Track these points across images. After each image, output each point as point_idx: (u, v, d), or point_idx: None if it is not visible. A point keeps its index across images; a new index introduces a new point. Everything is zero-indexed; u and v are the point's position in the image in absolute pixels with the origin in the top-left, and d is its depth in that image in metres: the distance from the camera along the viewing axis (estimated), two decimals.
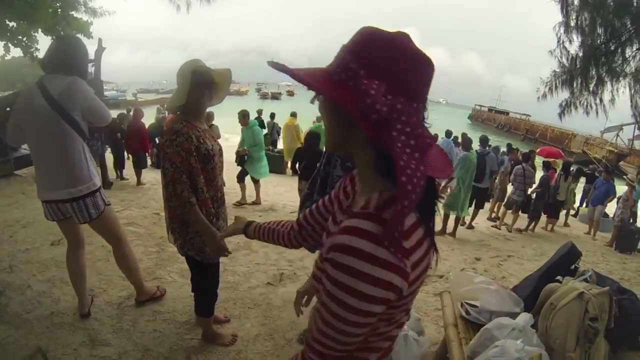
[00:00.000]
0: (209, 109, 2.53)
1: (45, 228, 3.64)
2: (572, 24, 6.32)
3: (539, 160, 9.14)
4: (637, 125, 19.55)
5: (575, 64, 6.53)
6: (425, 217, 0.70)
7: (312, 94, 0.71)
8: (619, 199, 7.80)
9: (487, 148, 6.96)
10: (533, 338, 1.70)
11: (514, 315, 1.85)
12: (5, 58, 8.42)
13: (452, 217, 5.99)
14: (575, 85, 6.66)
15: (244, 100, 39.10)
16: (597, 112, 6.70)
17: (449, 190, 6.08)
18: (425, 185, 0.60)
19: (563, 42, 6.56)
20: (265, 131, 10.86)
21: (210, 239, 1.88)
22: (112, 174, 7.03)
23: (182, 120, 1.87)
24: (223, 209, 2.09)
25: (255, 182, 6.08)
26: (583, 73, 6.44)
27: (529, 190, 7.40)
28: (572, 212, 9.25)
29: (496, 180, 7.93)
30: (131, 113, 7.80)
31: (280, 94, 58.99)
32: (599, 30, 6.10)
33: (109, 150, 7.38)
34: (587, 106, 6.74)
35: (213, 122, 6.89)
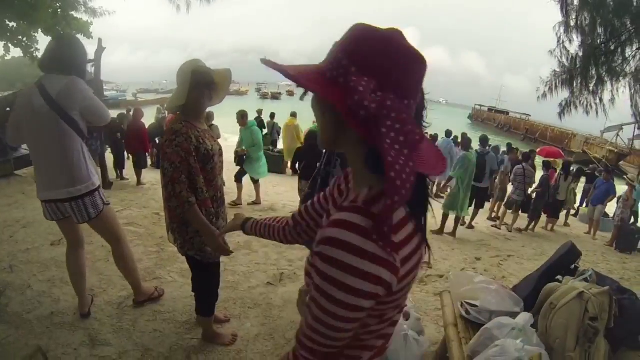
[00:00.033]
0: (209, 109, 2.53)
1: (45, 228, 3.64)
2: (572, 23, 6.32)
3: (538, 160, 9.14)
4: (637, 125, 19.55)
5: (575, 64, 6.54)
6: (415, 212, 0.70)
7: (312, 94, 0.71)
8: (619, 198, 7.80)
9: (487, 148, 6.96)
10: (533, 338, 1.70)
11: (514, 315, 1.86)
12: (6, 58, 8.44)
13: (452, 217, 5.99)
14: (575, 85, 6.66)
15: (244, 100, 39.10)
16: (597, 112, 6.70)
17: (448, 189, 6.09)
18: (416, 181, 0.60)
19: (563, 42, 6.57)
20: (265, 131, 10.87)
21: (209, 239, 1.88)
22: (112, 174, 7.03)
23: (182, 121, 1.87)
24: (223, 208, 2.09)
25: (255, 182, 6.07)
26: (583, 73, 6.45)
27: (529, 190, 7.40)
28: (572, 212, 9.25)
29: (496, 180, 7.93)
30: (131, 113, 7.80)
31: (280, 94, 58.92)
32: (599, 30, 6.11)
33: (109, 150, 7.38)
34: (587, 106, 6.75)
35: (213, 122, 6.89)
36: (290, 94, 57.86)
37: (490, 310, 1.96)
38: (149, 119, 8.68)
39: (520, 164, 7.35)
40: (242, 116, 5.80)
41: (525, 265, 4.71)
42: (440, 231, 6.00)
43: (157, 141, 8.42)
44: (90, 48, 6.03)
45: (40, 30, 7.27)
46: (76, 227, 2.31)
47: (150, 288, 2.72)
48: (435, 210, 6.13)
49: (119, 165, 7.35)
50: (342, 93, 0.60)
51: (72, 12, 7.76)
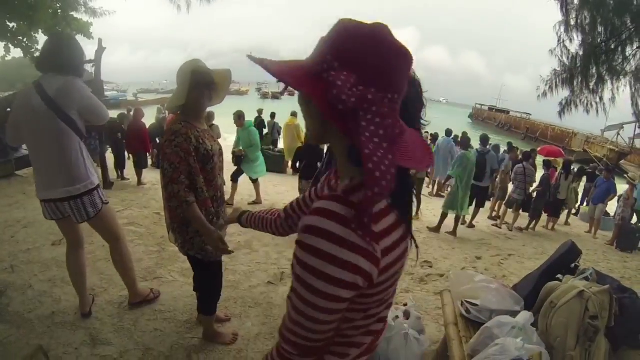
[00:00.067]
0: (209, 109, 2.54)
1: (46, 228, 3.65)
2: (572, 22, 6.31)
3: (539, 159, 9.14)
4: (637, 124, 19.53)
5: (576, 63, 6.53)
6: (397, 204, 0.71)
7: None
8: (619, 197, 7.79)
9: (488, 147, 6.95)
10: (533, 336, 1.70)
11: (514, 314, 1.85)
12: (6, 59, 8.44)
13: (452, 216, 5.99)
14: (575, 83, 6.66)
15: (244, 100, 39.08)
16: (597, 111, 6.70)
17: (449, 189, 6.09)
18: (398, 174, 0.60)
19: (563, 41, 6.56)
20: (265, 131, 10.88)
21: (208, 238, 1.88)
22: (112, 174, 7.04)
23: (181, 121, 1.88)
24: (223, 208, 2.09)
25: (254, 181, 6.06)
26: (583, 72, 6.44)
27: (530, 189, 7.39)
28: (573, 211, 9.25)
29: (497, 179, 7.93)
30: (131, 113, 7.80)
31: (280, 93, 58.69)
32: (599, 29, 6.10)
33: (109, 150, 7.38)
34: (587, 105, 6.75)
35: (214, 122, 6.89)
36: (291, 93, 57.61)
37: (491, 309, 1.96)
38: (149, 119, 8.68)
39: (521, 163, 7.34)
40: (239, 117, 5.78)
41: (526, 264, 4.71)
42: (437, 229, 6.00)
43: (158, 141, 8.42)
44: (90, 48, 6.02)
45: (40, 30, 7.26)
46: (76, 227, 2.31)
47: (145, 289, 2.70)
48: (436, 208, 6.11)
49: (120, 165, 7.35)
50: (324, 88, 0.60)
51: (73, 13, 7.76)
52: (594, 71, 6.44)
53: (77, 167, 2.12)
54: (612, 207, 8.32)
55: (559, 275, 2.07)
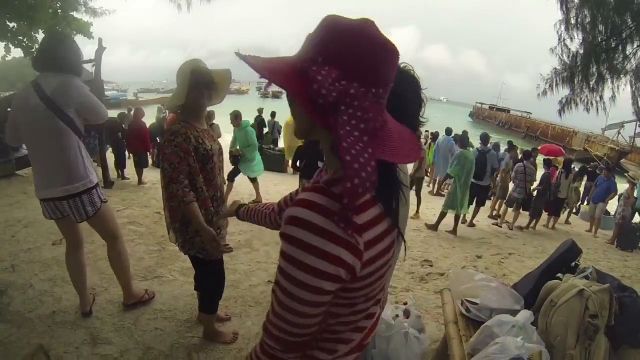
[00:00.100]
0: (209, 109, 2.54)
1: (47, 228, 3.65)
2: (573, 21, 6.31)
3: (539, 158, 9.13)
4: (638, 123, 19.51)
5: (576, 61, 6.53)
6: (381, 197, 0.71)
7: None
8: (620, 196, 7.78)
9: (488, 146, 6.95)
10: (533, 335, 1.70)
11: (514, 313, 1.85)
12: (6, 59, 8.45)
13: (452, 215, 5.99)
14: (576, 82, 6.65)
15: (245, 99, 39.07)
16: (597, 110, 6.70)
17: (449, 188, 6.10)
18: (383, 167, 0.61)
19: (564, 39, 6.56)
20: (266, 130, 10.89)
21: (206, 238, 1.88)
22: (113, 173, 7.04)
23: (181, 121, 1.88)
24: (223, 207, 2.09)
25: (253, 180, 6.05)
26: (584, 70, 6.44)
27: (531, 188, 7.38)
28: (574, 210, 9.24)
29: (497, 178, 7.92)
30: (132, 113, 7.80)
31: (281, 92, 58.37)
32: (600, 28, 6.10)
33: (110, 150, 7.39)
34: (587, 103, 6.74)
35: (214, 122, 6.89)
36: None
37: (491, 308, 1.97)
38: (150, 118, 8.69)
39: (521, 162, 7.34)
40: (235, 117, 5.77)
41: (526, 263, 4.71)
42: (434, 227, 6.01)
43: (158, 140, 8.43)
44: (90, 48, 6.05)
45: (40, 30, 7.27)
46: (75, 227, 2.31)
47: (140, 291, 2.68)
48: (437, 207, 6.10)
49: (120, 164, 7.36)
50: (306, 83, 0.61)
51: (73, 13, 7.76)
52: (594, 70, 6.44)
53: (76, 166, 2.12)
54: (612, 206, 8.31)
55: (559, 274, 2.07)
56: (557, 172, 8.11)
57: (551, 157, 9.61)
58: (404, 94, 1.06)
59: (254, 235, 4.28)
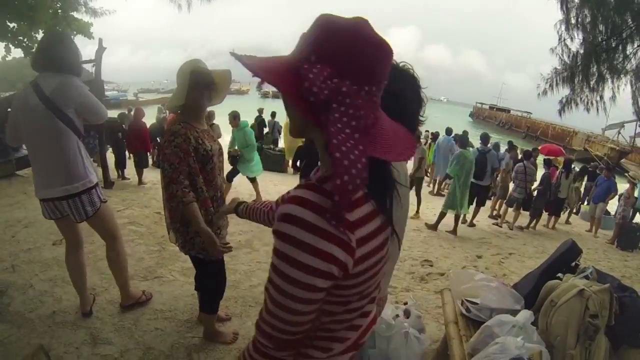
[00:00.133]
0: (210, 108, 2.54)
1: (47, 228, 3.65)
2: (573, 21, 6.31)
3: (540, 158, 9.14)
4: (638, 123, 19.50)
5: (576, 61, 6.52)
6: (374, 194, 0.71)
7: None
8: (620, 196, 7.78)
9: (488, 145, 6.95)
10: (533, 335, 1.70)
11: (514, 313, 1.85)
12: (6, 59, 8.45)
13: (452, 215, 5.99)
14: (576, 82, 6.65)
15: (245, 99, 39.02)
16: (597, 110, 6.70)
17: (448, 188, 6.10)
18: (375, 164, 0.62)
19: (564, 39, 6.55)
20: (266, 130, 10.88)
21: (205, 238, 1.88)
22: (113, 173, 7.04)
23: (180, 122, 1.88)
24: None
25: (253, 180, 6.04)
26: (584, 70, 6.44)
27: (531, 188, 7.38)
28: (574, 210, 9.24)
29: (497, 178, 7.92)
30: (132, 113, 7.80)
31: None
32: (600, 27, 6.09)
33: (110, 150, 7.38)
34: (587, 103, 6.74)
35: (214, 122, 6.88)
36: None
37: (491, 308, 1.96)
38: (150, 118, 8.69)
39: (521, 162, 7.34)
40: (234, 117, 5.76)
41: (527, 263, 4.71)
42: (434, 227, 6.01)
43: (159, 140, 8.43)
44: (90, 48, 6.05)
45: (40, 30, 7.27)
46: (75, 226, 2.31)
47: (137, 292, 2.67)
48: (437, 207, 6.09)
49: (120, 164, 7.36)
50: (297, 81, 0.61)
51: (73, 13, 7.76)
52: (594, 69, 6.44)
53: (75, 166, 2.12)
54: (612, 205, 8.31)
55: (559, 274, 2.07)
56: (557, 171, 8.11)
57: (551, 157, 9.61)
58: (403, 93, 1.06)
59: (254, 235, 4.28)
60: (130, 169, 7.30)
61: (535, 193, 7.34)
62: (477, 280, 2.16)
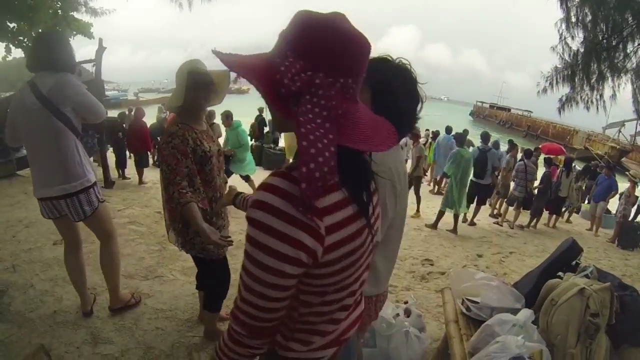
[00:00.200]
0: (210, 108, 2.54)
1: (47, 228, 3.65)
2: (574, 19, 6.29)
3: (540, 157, 9.12)
4: (639, 121, 19.48)
5: (577, 59, 6.51)
6: (347, 183, 0.71)
7: None
8: (621, 195, 7.78)
9: (489, 144, 6.94)
10: (534, 334, 1.70)
11: (514, 311, 1.85)
12: (7, 59, 8.45)
13: (451, 214, 5.98)
14: (576, 80, 6.63)
15: (245, 98, 38.91)
16: (597, 108, 6.68)
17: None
18: (348, 154, 0.64)
19: (565, 38, 6.53)
20: (266, 129, 10.88)
21: (204, 237, 1.88)
22: (114, 173, 7.05)
23: (179, 122, 1.88)
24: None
25: (247, 179, 6.02)
26: (584, 68, 6.42)
27: (531, 187, 7.37)
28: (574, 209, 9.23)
29: (498, 177, 7.92)
30: (132, 112, 7.81)
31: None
32: (601, 26, 6.08)
33: (110, 149, 7.39)
34: (587, 102, 6.72)
35: (214, 121, 6.88)
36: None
37: (491, 307, 1.96)
38: (150, 118, 8.69)
39: (521, 160, 7.33)
40: (226, 117, 5.74)
41: (527, 262, 4.71)
42: (434, 226, 6.01)
43: (159, 140, 8.43)
44: (90, 48, 6.05)
45: (40, 31, 7.27)
46: (74, 226, 2.31)
47: (126, 295, 2.62)
48: (437, 206, 6.08)
49: (121, 164, 7.37)
50: (271, 75, 0.62)
51: (73, 13, 7.76)
52: (594, 68, 6.42)
53: (73, 165, 2.11)
54: (613, 204, 8.30)
55: (560, 273, 2.07)
56: (558, 170, 8.10)
57: (552, 156, 9.60)
58: (397, 89, 1.07)
59: None
60: (130, 169, 7.30)
61: (535, 192, 7.33)
62: (478, 279, 2.16)
